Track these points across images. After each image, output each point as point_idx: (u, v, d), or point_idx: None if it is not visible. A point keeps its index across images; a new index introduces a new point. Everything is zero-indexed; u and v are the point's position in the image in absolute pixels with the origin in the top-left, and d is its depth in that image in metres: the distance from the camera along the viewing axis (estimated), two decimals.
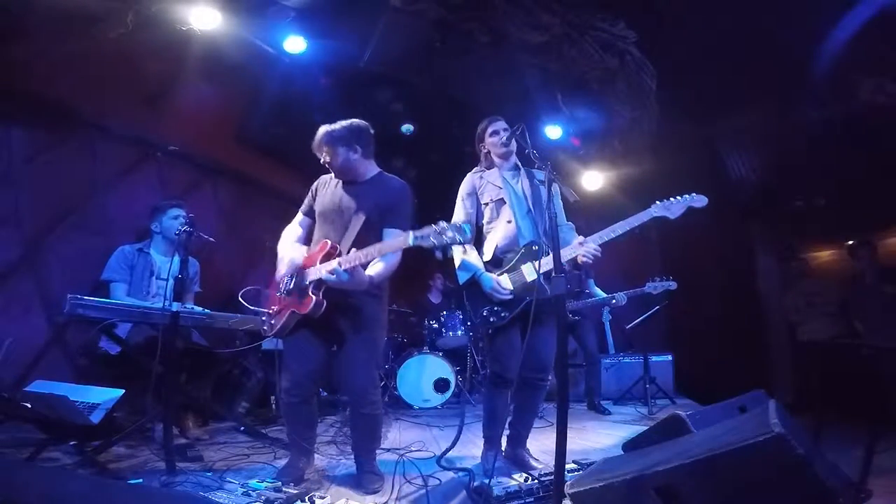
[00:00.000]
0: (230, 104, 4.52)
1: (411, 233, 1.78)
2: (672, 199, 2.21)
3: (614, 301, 3.93)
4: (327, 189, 2.30)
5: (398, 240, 1.85)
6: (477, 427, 2.51)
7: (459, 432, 2.41)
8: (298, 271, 2.10)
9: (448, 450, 2.40)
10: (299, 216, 2.38)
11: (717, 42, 3.57)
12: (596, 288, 4.22)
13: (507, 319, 2.23)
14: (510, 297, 2.20)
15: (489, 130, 2.47)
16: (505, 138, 2.41)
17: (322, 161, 2.23)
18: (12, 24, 3.05)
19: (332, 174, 2.29)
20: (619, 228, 2.15)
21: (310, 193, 2.37)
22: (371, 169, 2.30)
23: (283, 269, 2.16)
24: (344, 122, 2.21)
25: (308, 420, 2.24)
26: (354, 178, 2.25)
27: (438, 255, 1.75)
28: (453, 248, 2.24)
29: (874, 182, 3.81)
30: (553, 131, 4.93)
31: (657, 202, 2.20)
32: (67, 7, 3.05)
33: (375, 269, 2.04)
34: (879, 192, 3.85)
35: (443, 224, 1.70)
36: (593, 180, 5.33)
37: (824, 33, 3.35)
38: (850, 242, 4.11)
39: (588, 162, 5.33)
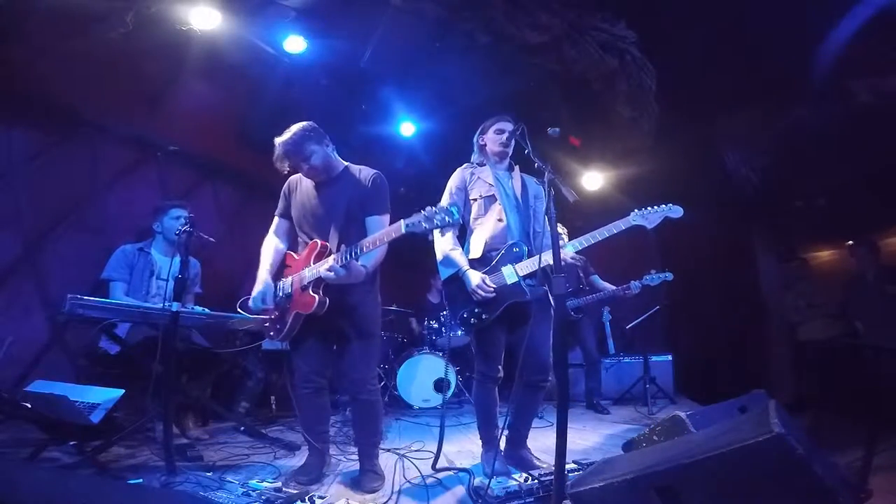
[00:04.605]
0: (230, 104, 4.52)
1: (402, 221, 1.85)
2: (650, 208, 2.26)
3: (628, 291, 3.92)
4: (300, 189, 2.30)
5: (391, 228, 1.91)
6: (475, 425, 2.50)
7: (441, 439, 2.40)
8: (286, 287, 2.14)
9: (437, 457, 2.39)
10: (276, 220, 2.37)
11: (717, 42, 3.57)
12: (604, 283, 4.21)
13: (487, 323, 2.22)
14: (493, 296, 2.18)
15: (495, 127, 2.46)
16: (505, 139, 2.41)
17: (302, 171, 2.22)
18: (12, 24, 3.04)
19: (302, 175, 2.29)
20: (599, 235, 2.22)
21: (283, 195, 2.36)
22: (340, 162, 2.30)
23: (254, 296, 2.16)
24: (295, 127, 2.18)
25: (320, 412, 2.27)
26: (329, 175, 2.25)
27: (431, 237, 1.89)
28: (435, 241, 2.33)
29: (874, 182, 3.81)
30: (553, 131, 4.91)
31: (636, 210, 2.26)
32: (67, 7, 3.05)
33: (367, 259, 2.07)
34: (879, 192, 3.85)
35: (431, 208, 1.80)
36: (593, 180, 5.33)
37: (824, 33, 3.35)
38: (850, 242, 4.11)
39: (588, 162, 5.33)
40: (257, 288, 2.17)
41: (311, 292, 2.04)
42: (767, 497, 1.23)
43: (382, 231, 1.96)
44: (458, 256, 2.29)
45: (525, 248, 2.28)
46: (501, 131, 2.43)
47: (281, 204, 2.37)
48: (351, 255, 1.94)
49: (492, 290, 2.18)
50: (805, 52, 3.47)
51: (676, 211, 2.29)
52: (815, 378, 3.76)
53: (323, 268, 1.96)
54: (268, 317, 2.22)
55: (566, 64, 4.09)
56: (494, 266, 2.27)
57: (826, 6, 3.27)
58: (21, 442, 2.51)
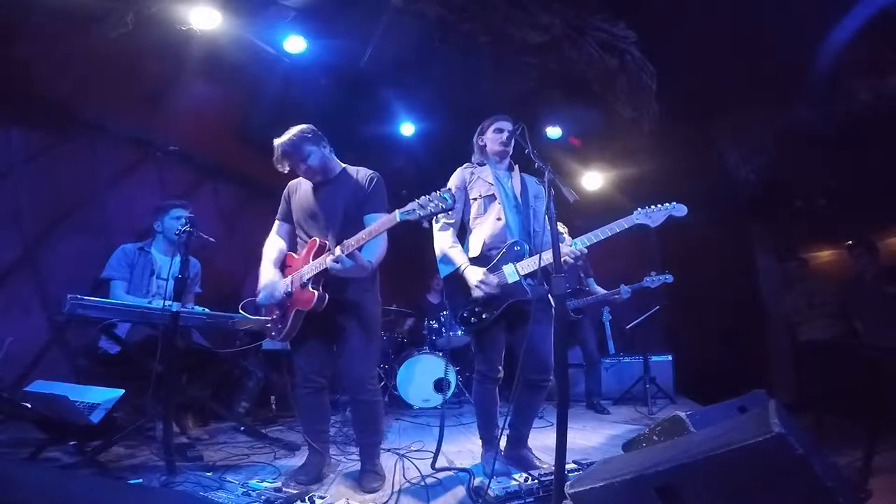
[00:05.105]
0: (230, 104, 4.52)
1: (397, 211, 1.85)
2: (653, 206, 2.22)
3: (618, 296, 3.94)
4: (300, 193, 2.32)
5: (386, 218, 1.91)
6: (475, 425, 2.50)
7: (440, 438, 2.39)
8: (287, 286, 2.13)
9: (435, 456, 2.38)
10: (277, 224, 2.39)
11: (717, 42, 3.57)
12: (596, 287, 4.23)
13: (487, 322, 2.21)
14: (497, 291, 2.17)
15: (494, 126, 2.46)
16: (505, 138, 2.41)
17: (299, 171, 2.23)
18: (12, 24, 3.05)
19: (302, 178, 2.30)
20: (601, 234, 2.19)
21: (283, 199, 2.38)
22: (338, 164, 2.32)
23: (262, 291, 2.17)
24: (294, 129, 2.19)
25: (321, 413, 2.27)
26: (326, 177, 2.26)
27: (426, 224, 1.87)
28: (434, 239, 2.33)
29: (874, 182, 3.81)
30: (553, 131, 4.93)
31: (639, 209, 2.22)
32: (67, 7, 3.05)
33: (370, 254, 2.07)
34: (879, 192, 3.85)
35: (425, 197, 1.80)
36: (593, 180, 5.33)
37: (824, 33, 3.35)
38: (850, 242, 4.11)
39: (588, 162, 5.33)
40: (263, 281, 2.18)
41: (310, 288, 2.04)
42: (767, 497, 1.23)
43: (377, 222, 1.96)
44: (457, 254, 2.29)
45: (527, 247, 2.27)
46: (500, 130, 2.43)
47: (281, 207, 2.38)
48: (350, 247, 1.93)
49: (494, 284, 2.17)
50: (805, 52, 3.47)
51: (680, 209, 2.24)
52: (815, 378, 3.76)
53: (328, 259, 1.96)
54: (269, 317, 2.23)
55: (566, 64, 4.09)
56: (496, 265, 2.26)
57: (826, 6, 3.27)
58: (21, 442, 2.51)
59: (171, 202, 3.17)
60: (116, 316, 2.47)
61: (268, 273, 2.22)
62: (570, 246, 2.20)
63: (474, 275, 2.19)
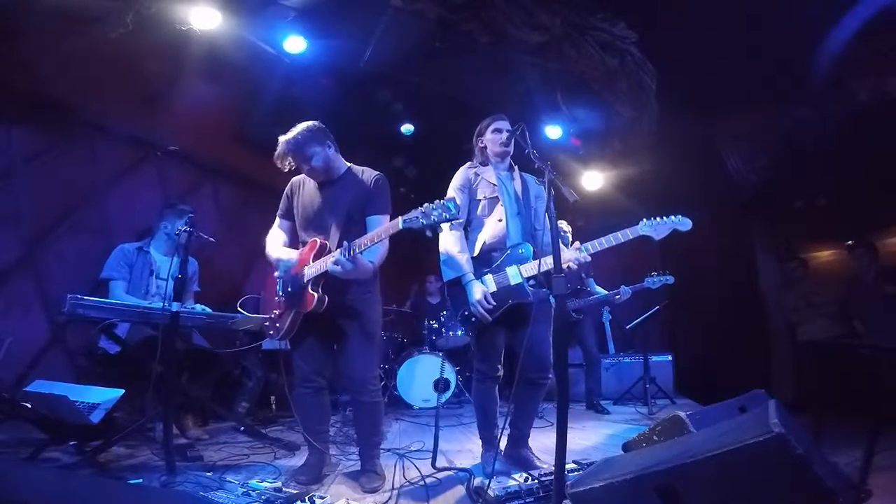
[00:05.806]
0: (230, 104, 4.52)
1: (400, 218, 1.84)
2: (658, 218, 2.23)
3: (618, 296, 3.95)
4: (303, 191, 2.31)
5: (389, 225, 1.91)
6: (475, 425, 2.50)
7: (436, 438, 2.40)
8: (293, 275, 2.12)
9: (434, 455, 2.38)
10: (278, 220, 2.38)
11: (717, 42, 3.57)
12: (597, 287, 4.23)
13: (488, 321, 2.22)
14: (489, 318, 2.19)
15: (492, 127, 2.46)
16: (505, 138, 2.41)
17: (303, 171, 2.23)
18: (12, 24, 3.04)
19: (305, 175, 2.30)
20: (606, 242, 2.20)
21: (285, 196, 2.37)
22: (343, 163, 2.31)
23: (279, 264, 2.20)
24: (300, 127, 2.19)
25: (320, 412, 2.27)
26: (331, 176, 2.25)
27: (429, 233, 1.87)
28: (441, 238, 2.32)
29: (874, 182, 3.81)
30: (553, 131, 4.93)
31: (644, 220, 2.23)
32: (67, 7, 3.05)
33: (372, 255, 2.07)
34: (879, 192, 3.85)
35: (428, 204, 1.78)
36: (593, 180, 5.34)
37: (824, 33, 3.35)
38: (850, 242, 4.11)
39: (588, 162, 5.33)
40: (278, 256, 2.20)
41: (310, 290, 2.04)
42: (767, 497, 1.23)
43: (380, 228, 1.96)
44: (465, 262, 2.28)
45: (531, 250, 2.28)
46: (499, 130, 2.44)
47: (282, 204, 2.37)
48: (352, 250, 1.92)
49: (490, 308, 2.18)
50: (805, 52, 3.47)
51: (685, 223, 2.24)
52: (815, 378, 3.76)
53: (329, 260, 1.96)
54: (269, 315, 2.23)
55: (566, 64, 4.10)
56: (499, 266, 2.27)
57: (826, 6, 3.27)
58: (21, 442, 2.51)
59: (184, 207, 3.13)
60: (116, 316, 2.47)
61: (281, 252, 2.23)
62: (573, 250, 2.21)
63: (475, 292, 2.20)
